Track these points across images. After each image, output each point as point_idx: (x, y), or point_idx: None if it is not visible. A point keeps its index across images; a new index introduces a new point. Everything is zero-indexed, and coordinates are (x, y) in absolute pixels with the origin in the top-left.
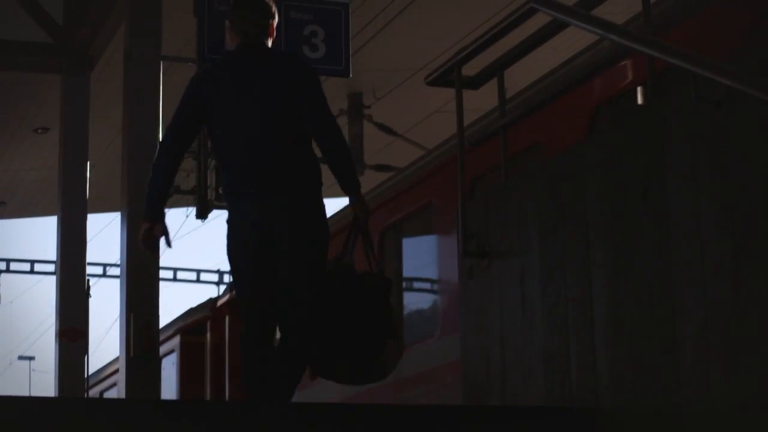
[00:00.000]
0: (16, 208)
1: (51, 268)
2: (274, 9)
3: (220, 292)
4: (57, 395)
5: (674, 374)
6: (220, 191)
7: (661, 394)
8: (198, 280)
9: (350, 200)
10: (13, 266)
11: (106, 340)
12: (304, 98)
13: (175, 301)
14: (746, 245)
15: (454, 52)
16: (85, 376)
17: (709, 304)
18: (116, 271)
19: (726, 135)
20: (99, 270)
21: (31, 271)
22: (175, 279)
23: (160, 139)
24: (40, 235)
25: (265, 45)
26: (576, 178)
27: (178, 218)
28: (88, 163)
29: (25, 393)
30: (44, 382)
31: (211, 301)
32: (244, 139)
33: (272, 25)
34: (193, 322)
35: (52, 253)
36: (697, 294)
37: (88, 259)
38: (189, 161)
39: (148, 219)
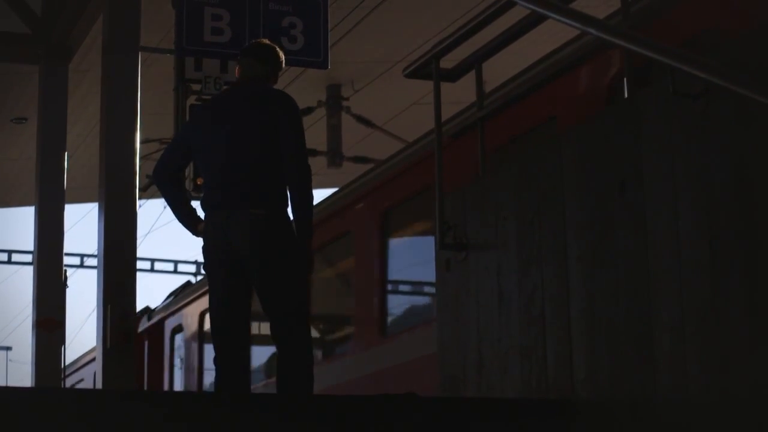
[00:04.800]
0: None
1: (28, 258)
2: (280, 59)
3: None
4: (34, 385)
5: (650, 367)
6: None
7: (638, 387)
8: (175, 271)
9: (300, 247)
10: None
11: (83, 330)
12: (284, 140)
13: (152, 292)
14: (723, 239)
15: (432, 45)
16: (62, 366)
17: (685, 297)
18: (93, 261)
19: (703, 128)
20: (76, 260)
21: (9, 261)
22: (152, 270)
23: (155, 174)
24: (17, 225)
25: (258, 84)
26: (553, 170)
27: (155, 209)
28: (66, 153)
29: (1, 383)
30: (21, 373)
31: None
32: (218, 161)
33: (274, 71)
34: None
35: (29, 244)
36: (674, 287)
37: (66, 249)
38: None
39: (194, 233)
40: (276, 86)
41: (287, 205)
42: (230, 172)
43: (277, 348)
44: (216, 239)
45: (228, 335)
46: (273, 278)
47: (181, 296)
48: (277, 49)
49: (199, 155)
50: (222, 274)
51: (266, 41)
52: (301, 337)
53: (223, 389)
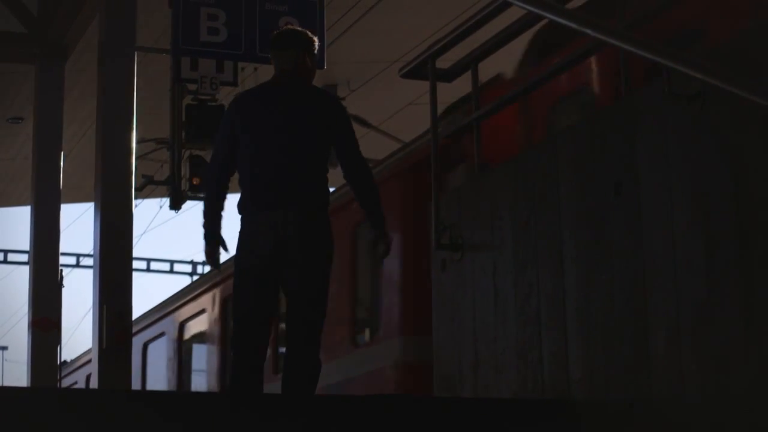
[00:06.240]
0: None
1: (24, 258)
2: (310, 41)
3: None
4: (29, 385)
5: (646, 367)
6: (236, 205)
7: (633, 387)
8: (171, 271)
9: (377, 236)
10: None
11: (79, 330)
12: (339, 139)
13: (148, 292)
14: (718, 239)
15: (428, 45)
16: (58, 365)
17: (680, 296)
18: (89, 261)
19: (699, 129)
20: (72, 260)
21: (5, 261)
22: (148, 269)
23: (209, 167)
24: (13, 225)
25: (301, 78)
26: (549, 171)
27: (151, 209)
28: (62, 153)
29: None
30: (17, 372)
31: None
32: (272, 159)
33: (307, 58)
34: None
35: (25, 243)
36: (669, 287)
37: (62, 249)
38: (163, 152)
39: (209, 243)
40: None
41: (328, 205)
42: (287, 173)
43: (292, 347)
44: (266, 240)
45: (252, 335)
46: (314, 280)
47: (72, 361)
48: (312, 35)
49: (247, 155)
50: (259, 275)
51: (297, 28)
52: (317, 339)
53: (239, 387)
